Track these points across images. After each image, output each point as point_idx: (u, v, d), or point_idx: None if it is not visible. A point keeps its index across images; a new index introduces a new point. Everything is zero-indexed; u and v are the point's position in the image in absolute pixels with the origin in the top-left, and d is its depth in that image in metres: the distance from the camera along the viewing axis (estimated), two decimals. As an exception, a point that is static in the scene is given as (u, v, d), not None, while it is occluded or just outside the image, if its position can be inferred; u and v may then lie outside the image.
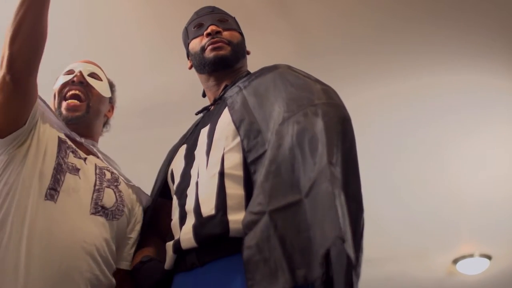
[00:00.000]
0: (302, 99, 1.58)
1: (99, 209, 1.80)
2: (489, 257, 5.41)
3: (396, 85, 3.68)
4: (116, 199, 1.87)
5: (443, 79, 3.66)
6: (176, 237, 1.67)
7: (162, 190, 1.92)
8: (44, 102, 1.90)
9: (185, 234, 1.63)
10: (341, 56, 3.46)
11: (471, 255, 5.37)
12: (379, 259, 5.01)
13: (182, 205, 1.70)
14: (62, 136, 1.88)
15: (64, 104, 1.95)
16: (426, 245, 5.17)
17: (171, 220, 1.76)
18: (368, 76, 3.59)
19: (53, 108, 1.97)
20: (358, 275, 1.35)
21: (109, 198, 1.84)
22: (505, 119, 3.97)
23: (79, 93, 1.97)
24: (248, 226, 1.42)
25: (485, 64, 3.54)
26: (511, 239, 5.13)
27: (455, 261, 5.46)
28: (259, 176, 1.49)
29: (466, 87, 3.71)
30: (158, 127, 3.68)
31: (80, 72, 1.99)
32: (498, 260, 5.41)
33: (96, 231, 1.76)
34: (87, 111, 1.97)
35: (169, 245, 1.69)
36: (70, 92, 1.96)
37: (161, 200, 1.92)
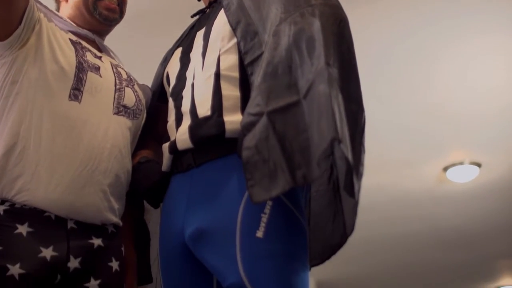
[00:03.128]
0: (299, 0, 1.56)
1: (121, 108, 1.80)
2: (478, 165, 5.44)
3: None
4: (136, 98, 1.87)
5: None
6: (172, 138, 1.69)
7: (158, 93, 1.92)
8: (42, 4, 1.84)
9: (181, 135, 1.64)
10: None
11: (461, 163, 5.40)
12: (368, 166, 5.01)
13: (178, 106, 1.71)
14: (73, 37, 1.84)
15: (103, 4, 1.90)
16: (417, 153, 5.18)
17: (167, 122, 1.77)
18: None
19: (79, 6, 1.92)
20: (360, 175, 1.37)
21: (129, 97, 1.84)
22: (498, 28, 3.86)
23: None
24: (247, 127, 1.43)
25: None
26: (501, 147, 5.16)
27: (445, 169, 5.51)
28: (257, 78, 1.49)
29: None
30: (143, 37, 3.60)
31: None
32: (487, 167, 5.45)
33: (120, 132, 1.76)
34: (120, 15, 1.96)
35: (166, 146, 1.71)
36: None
37: (157, 103, 1.92)
